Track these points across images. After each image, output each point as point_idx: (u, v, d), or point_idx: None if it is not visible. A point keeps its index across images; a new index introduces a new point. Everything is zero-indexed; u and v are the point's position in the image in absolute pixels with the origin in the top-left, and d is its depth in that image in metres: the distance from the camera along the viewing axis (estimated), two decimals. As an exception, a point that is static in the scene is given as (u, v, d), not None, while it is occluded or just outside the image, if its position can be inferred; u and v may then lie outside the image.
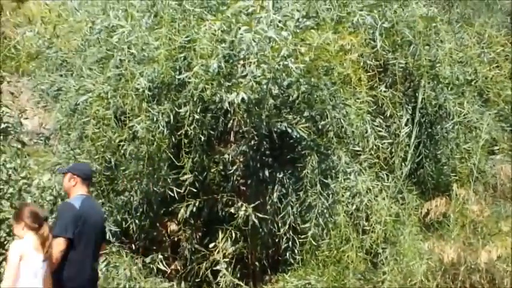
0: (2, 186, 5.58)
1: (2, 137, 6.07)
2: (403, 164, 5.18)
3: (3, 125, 6.12)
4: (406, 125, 5.26)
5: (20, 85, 6.35)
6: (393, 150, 5.15)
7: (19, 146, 5.92)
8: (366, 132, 4.97)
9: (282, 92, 4.72)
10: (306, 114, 4.78)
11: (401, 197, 5.09)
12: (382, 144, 5.02)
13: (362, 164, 4.94)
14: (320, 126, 4.84)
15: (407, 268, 4.77)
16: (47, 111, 6.10)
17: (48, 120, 6.27)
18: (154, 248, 5.23)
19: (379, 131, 5.05)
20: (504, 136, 5.59)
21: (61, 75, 5.53)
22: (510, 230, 5.05)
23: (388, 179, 4.98)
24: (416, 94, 5.45)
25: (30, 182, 5.56)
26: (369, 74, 5.14)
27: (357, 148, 4.95)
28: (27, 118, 6.47)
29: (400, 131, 5.22)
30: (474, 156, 5.27)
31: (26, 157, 5.82)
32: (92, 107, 4.70)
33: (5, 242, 5.71)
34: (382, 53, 5.27)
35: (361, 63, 5.11)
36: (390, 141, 5.13)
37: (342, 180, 4.82)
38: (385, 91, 5.23)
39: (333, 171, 4.83)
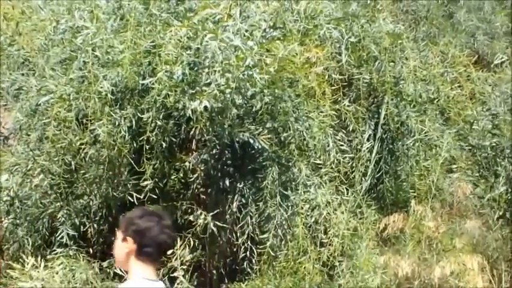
0: (-44, 186, 5.47)
1: (-41, 135, 5.95)
2: (363, 178, 5.24)
3: (-39, 124, 6.01)
4: (368, 140, 5.32)
5: (-20, 84, 6.22)
6: (354, 164, 5.21)
7: (-24, 145, 5.82)
8: (328, 145, 5.01)
9: (246, 102, 4.72)
10: (268, 125, 4.79)
11: (360, 212, 5.14)
12: (343, 158, 5.07)
13: (322, 177, 4.97)
14: (282, 138, 4.85)
15: (362, 281, 4.81)
16: (7, 111, 5.99)
17: (7, 120, 6.16)
18: (112, 252, 5.17)
19: (341, 145, 5.11)
20: (462, 155, 5.70)
21: (22, 74, 5.44)
22: (463, 247, 5.16)
23: (347, 193, 5.03)
24: (380, 110, 5.51)
25: (-13, 182, 5.47)
26: (333, 87, 5.19)
27: (318, 161, 4.98)
28: (-15, 117, 6.36)
29: (361, 146, 5.28)
30: (433, 173, 5.37)
31: (-18, 157, 5.72)
32: (54, 109, 4.62)
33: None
34: (347, 68, 5.33)
35: (326, 77, 5.16)
36: (351, 155, 5.19)
37: (302, 193, 4.84)
38: (348, 105, 5.29)
39: (293, 183, 4.84)
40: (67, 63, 4.82)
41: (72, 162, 4.71)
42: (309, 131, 4.89)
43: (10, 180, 5.15)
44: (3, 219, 5.39)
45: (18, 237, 5.24)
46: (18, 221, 5.23)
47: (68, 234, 4.84)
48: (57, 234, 4.90)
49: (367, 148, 5.26)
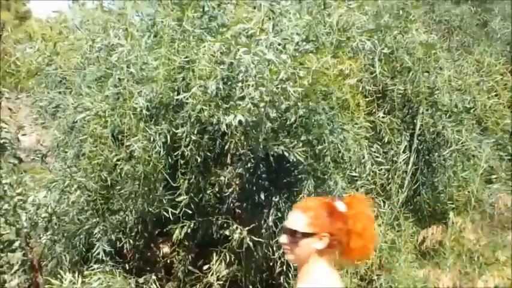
0: (-3, 203, 5.57)
1: (-1, 152, 6.07)
2: (399, 190, 5.16)
3: (0, 141, 6.12)
4: (403, 151, 5.25)
5: (19, 101, 6.34)
6: (390, 176, 5.14)
7: (16, 162, 5.91)
8: (363, 157, 4.95)
9: (280, 115, 4.71)
10: (303, 138, 4.75)
11: (397, 224, 5.05)
12: (379, 170, 5.00)
13: (358, 189, 4.90)
14: (317, 151, 4.80)
15: (402, 296, 4.73)
16: (45, 128, 6.10)
17: (45, 138, 6.27)
18: (148, 268, 5.19)
19: (377, 157, 5.03)
20: (502, 165, 5.58)
21: (60, 93, 5.54)
22: (507, 260, 5.02)
23: (384, 206, 4.95)
24: (415, 121, 5.44)
25: (26, 199, 5.54)
26: (367, 99, 5.15)
27: (354, 173, 4.91)
28: (24, 134, 6.46)
29: (397, 158, 5.21)
30: (472, 184, 5.25)
31: (22, 173, 5.80)
32: (90, 125, 4.69)
33: (-2, 259, 5.69)
34: (381, 79, 5.29)
35: (360, 89, 5.12)
36: (387, 167, 5.12)
37: (338, 206, 4.77)
38: (383, 117, 5.23)
39: (329, 196, 4.79)
40: (102, 80, 4.90)
41: (108, 178, 4.75)
42: (344, 143, 4.83)
43: (48, 197, 5.22)
44: (41, 235, 5.47)
45: (56, 254, 5.31)
46: (56, 237, 5.30)
47: (104, 250, 4.88)
48: (94, 250, 4.93)
49: (403, 159, 5.18)
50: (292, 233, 2.36)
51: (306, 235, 2.33)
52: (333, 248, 2.37)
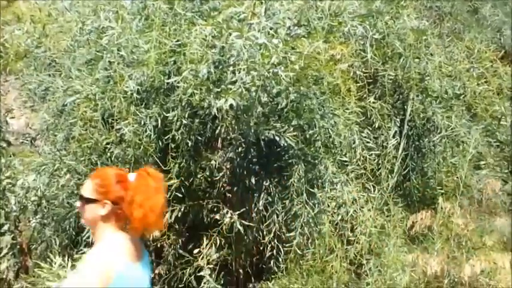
0: (-15, 186, 5.55)
1: (-13, 135, 6.02)
2: (389, 176, 5.19)
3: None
4: (393, 137, 5.27)
5: (7, 84, 6.29)
6: (380, 161, 5.15)
7: (4, 145, 5.88)
8: (354, 143, 4.96)
9: (271, 99, 4.70)
10: (294, 123, 4.75)
11: (386, 209, 5.08)
12: (369, 155, 5.01)
13: (349, 174, 4.93)
14: (308, 136, 4.81)
15: (390, 279, 4.76)
16: (34, 112, 6.06)
17: (34, 121, 6.22)
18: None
19: (367, 142, 5.05)
20: (490, 151, 5.62)
21: (49, 75, 5.48)
22: (494, 245, 5.08)
23: (374, 191, 4.97)
24: (405, 106, 5.46)
25: (15, 182, 5.52)
26: (358, 84, 5.15)
27: (344, 158, 4.93)
28: (13, 117, 6.42)
29: (387, 143, 5.23)
30: (461, 170, 5.29)
31: (11, 156, 5.78)
32: (80, 109, 4.65)
33: (-9, 240, 5.68)
34: (372, 64, 5.29)
35: (351, 74, 5.12)
36: (378, 152, 5.14)
37: (328, 190, 4.79)
38: (374, 102, 5.23)
39: (320, 180, 4.81)
40: (93, 63, 4.85)
41: (98, 162, 4.72)
42: (335, 128, 4.84)
43: (37, 180, 5.19)
44: (31, 219, 5.45)
45: (46, 237, 5.29)
46: (45, 221, 5.28)
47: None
48: (84, 233, 4.92)
49: (393, 145, 5.21)
50: (81, 198, 2.54)
51: (89, 200, 2.48)
52: (118, 216, 2.49)
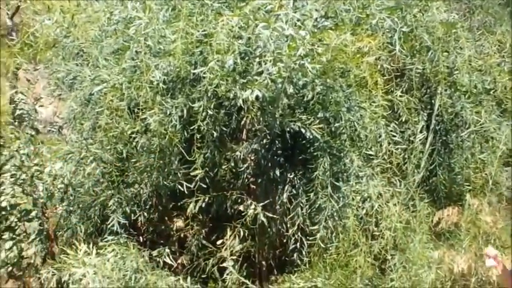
0: (15, 172, 5.63)
1: (17, 123, 6.12)
2: (416, 170, 5.11)
3: (18, 112, 6.18)
4: (421, 131, 5.18)
5: (37, 73, 6.37)
6: (407, 156, 5.08)
7: (33, 133, 5.97)
8: (380, 136, 4.90)
9: (297, 91, 4.67)
10: (320, 115, 4.72)
11: (412, 204, 5.01)
12: (395, 149, 4.95)
13: (374, 168, 4.87)
14: (334, 128, 4.77)
15: (415, 276, 4.69)
16: (62, 100, 6.13)
17: (62, 109, 6.30)
18: (162, 241, 5.23)
19: (393, 136, 4.98)
20: (521, 148, 5.50)
21: (77, 65, 5.54)
22: (523, 244, 4.97)
23: (400, 185, 4.92)
24: (433, 101, 5.37)
25: (43, 169, 5.60)
26: (385, 78, 5.07)
27: (370, 152, 4.87)
28: (42, 106, 6.52)
29: (414, 138, 5.15)
30: (489, 166, 5.20)
31: (39, 144, 5.86)
32: (106, 98, 4.69)
33: (16, 227, 5.77)
34: (399, 58, 5.21)
35: (378, 67, 5.05)
36: (404, 147, 5.07)
37: (353, 184, 4.75)
38: (401, 96, 5.16)
39: (345, 174, 4.77)
40: (120, 53, 4.87)
41: (124, 151, 4.77)
42: (361, 122, 4.79)
43: (64, 168, 5.27)
44: (57, 206, 5.52)
45: (72, 224, 5.36)
46: (71, 208, 5.35)
47: (118, 222, 4.91)
48: (109, 222, 4.97)
49: (420, 139, 5.13)
50: None
51: None
52: None
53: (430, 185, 5.40)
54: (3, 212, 5.68)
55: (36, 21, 6.04)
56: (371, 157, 4.90)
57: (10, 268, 5.67)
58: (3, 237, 5.68)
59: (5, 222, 5.73)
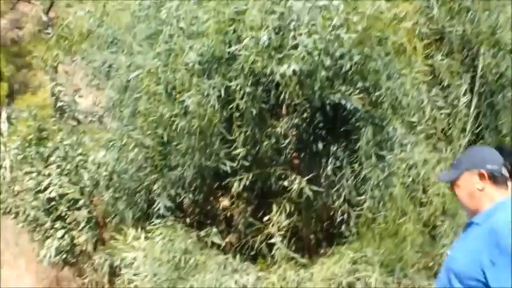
0: (60, 163, 5.76)
1: (58, 115, 6.23)
2: (461, 135, 4.99)
3: (59, 104, 6.29)
4: (464, 94, 5.05)
5: (74, 65, 6.44)
6: (451, 121, 4.97)
7: (75, 124, 6.08)
8: (422, 102, 4.82)
9: (334, 63, 4.57)
10: (359, 85, 4.63)
11: (459, 169, 4.90)
12: (439, 114, 4.86)
13: (418, 135, 4.79)
14: (374, 98, 4.68)
15: (467, 241, 4.60)
16: (100, 89, 6.18)
17: (101, 98, 6.36)
18: (209, 221, 5.27)
19: (436, 101, 4.89)
20: None
21: (112, 53, 5.57)
22: None
23: (445, 151, 4.82)
24: (475, 62, 5.22)
25: (86, 159, 5.72)
26: (424, 42, 4.95)
27: (413, 119, 4.79)
28: (81, 96, 6.60)
29: (458, 101, 5.02)
30: (539, 124, 5.04)
31: (81, 134, 5.97)
32: (143, 83, 4.70)
33: (66, 216, 5.91)
34: (438, 21, 5.07)
35: (416, 32, 4.93)
36: (448, 111, 4.96)
37: (398, 152, 4.68)
38: (441, 60, 5.03)
39: (389, 142, 4.69)
40: (153, 37, 4.87)
41: (165, 135, 4.77)
42: (402, 89, 4.68)
43: (107, 156, 5.35)
44: (103, 193, 5.62)
45: (119, 211, 5.45)
46: (117, 195, 5.43)
47: (164, 205, 4.96)
48: (155, 205, 5.03)
49: (464, 103, 5.00)
50: None
51: None
52: None
53: (477, 149, 5.25)
54: (53, 203, 5.84)
55: (69, 14, 6.09)
56: (414, 124, 4.82)
57: (64, 256, 5.83)
58: (55, 226, 5.84)
59: (55, 212, 5.89)
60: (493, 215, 2.16)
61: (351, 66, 4.55)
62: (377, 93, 4.65)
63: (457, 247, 2.31)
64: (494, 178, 2.21)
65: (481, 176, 2.22)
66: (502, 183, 2.23)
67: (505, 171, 2.22)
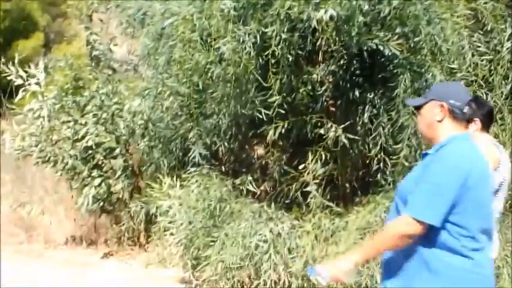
0: (96, 112, 5.81)
1: (94, 64, 6.25)
2: (503, 82, 4.84)
3: (94, 53, 6.31)
4: (508, 40, 4.86)
5: (108, 13, 6.42)
6: (493, 67, 4.80)
7: (110, 73, 6.10)
8: (463, 48, 4.65)
9: (372, 8, 4.45)
10: (398, 30, 4.50)
11: (500, 118, 4.77)
12: (480, 61, 4.69)
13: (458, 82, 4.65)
14: (413, 44, 4.55)
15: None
16: (135, 38, 6.17)
17: (136, 47, 6.35)
18: (244, 170, 5.28)
19: (478, 47, 4.72)
20: None
21: (146, 0, 5.52)
22: None
23: (487, 98, 4.68)
24: (521, 5, 5.01)
25: (122, 107, 5.75)
26: (467, -15, 4.77)
27: (453, 66, 4.64)
28: (116, 45, 6.60)
29: (501, 47, 4.83)
30: None
31: (116, 83, 5.99)
32: (178, 30, 4.66)
33: (102, 165, 6.00)
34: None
35: (458, -26, 4.74)
36: (490, 57, 4.78)
37: (436, 100, 4.56)
38: (485, 3, 4.83)
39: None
40: (188, -17, 4.80)
41: (200, 82, 4.75)
42: (442, 34, 4.54)
43: (143, 105, 5.36)
44: (139, 142, 5.67)
45: (154, 159, 5.50)
46: (153, 143, 5.47)
47: (200, 153, 4.97)
48: (190, 154, 5.04)
49: (508, 48, 4.81)
50: None
51: None
52: None
53: (519, 96, 5.10)
54: (90, 151, 5.92)
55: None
56: (454, 71, 4.68)
57: (101, 203, 5.94)
58: (92, 174, 5.94)
59: (92, 160, 5.99)
60: (443, 147, 2.23)
61: (389, 11, 4.42)
62: (416, 39, 4.52)
63: (407, 175, 2.39)
64: (454, 113, 2.26)
65: (442, 108, 2.27)
66: (461, 120, 2.28)
67: (467, 110, 2.26)
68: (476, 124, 3.00)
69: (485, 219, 2.20)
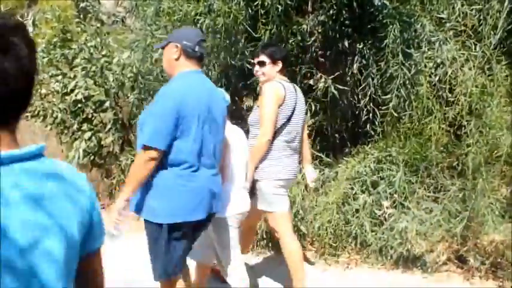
0: (85, 65, 5.75)
1: (82, 16, 6.16)
2: (492, 32, 4.83)
3: (82, 5, 6.20)
4: (497, -12, 4.85)
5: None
6: (482, 17, 4.79)
7: (98, 25, 6.01)
8: (453, -3, 4.64)
9: (362, -44, 4.44)
10: (387, -20, 4.49)
11: (489, 68, 4.78)
12: (470, 10, 4.68)
13: (447, 32, 4.65)
14: (403, -7, 4.55)
15: (493, 140, 4.57)
16: (122, -11, 6.08)
17: (124, -1, 6.27)
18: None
19: (467, -4, 4.71)
20: None
21: (134, -51, 5.44)
22: None
23: (475, 48, 4.68)
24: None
25: (111, 60, 5.69)
26: None
27: (442, 15, 4.64)
28: (104, -3, 6.50)
29: (491, -4, 4.83)
30: None
31: (105, 35, 5.91)
32: (166, -20, 4.61)
33: (92, 118, 5.98)
34: None
35: None
36: (479, 7, 4.77)
37: (426, 50, 4.58)
38: (475, -50, 4.80)
39: (416, 40, 4.58)
40: None
41: (189, 34, 4.71)
42: (431, -17, 4.53)
43: (132, 57, 5.31)
44: (129, 95, 5.64)
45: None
46: (142, 96, 5.44)
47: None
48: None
49: (497, -2, 4.79)
50: None
51: None
52: None
53: (508, 47, 5.11)
54: (79, 105, 5.88)
55: None
56: (443, 21, 4.67)
57: (92, 157, 5.95)
58: (82, 128, 5.92)
59: (82, 114, 5.95)
60: (170, 82, 2.71)
61: (379, -40, 4.40)
62: (406, -12, 4.50)
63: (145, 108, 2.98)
64: (187, 53, 2.72)
65: (177, 48, 2.73)
66: (193, 58, 2.75)
67: (198, 49, 2.73)
68: (278, 65, 3.50)
69: (198, 142, 2.61)
